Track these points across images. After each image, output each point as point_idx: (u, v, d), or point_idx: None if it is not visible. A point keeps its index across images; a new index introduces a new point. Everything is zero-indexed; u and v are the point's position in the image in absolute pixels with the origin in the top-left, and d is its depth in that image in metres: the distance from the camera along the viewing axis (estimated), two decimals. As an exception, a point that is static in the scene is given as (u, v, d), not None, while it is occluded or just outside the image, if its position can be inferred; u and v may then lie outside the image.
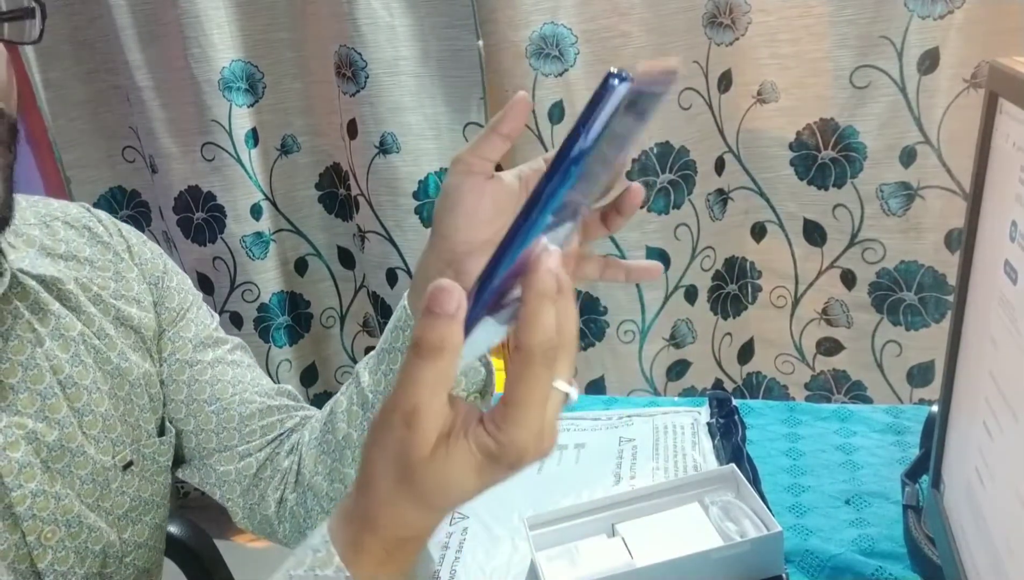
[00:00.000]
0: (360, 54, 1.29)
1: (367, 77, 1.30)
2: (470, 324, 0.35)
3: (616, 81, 0.33)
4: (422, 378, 0.36)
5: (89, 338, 0.62)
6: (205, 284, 1.53)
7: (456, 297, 0.34)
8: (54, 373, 0.59)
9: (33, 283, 0.60)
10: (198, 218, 1.48)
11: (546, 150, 1.29)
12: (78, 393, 0.60)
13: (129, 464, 0.63)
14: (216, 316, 0.74)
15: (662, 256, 1.35)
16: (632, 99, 0.34)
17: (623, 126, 0.36)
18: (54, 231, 0.65)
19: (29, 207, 0.65)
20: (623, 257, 1.34)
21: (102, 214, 0.69)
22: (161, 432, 0.68)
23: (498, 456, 0.37)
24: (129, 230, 0.70)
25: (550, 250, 0.36)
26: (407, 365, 0.36)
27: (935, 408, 0.66)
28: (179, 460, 0.71)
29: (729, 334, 1.47)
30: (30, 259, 0.61)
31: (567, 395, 0.39)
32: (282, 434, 0.70)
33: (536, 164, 0.54)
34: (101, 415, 0.61)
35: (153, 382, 0.67)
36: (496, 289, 0.35)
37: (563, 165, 0.34)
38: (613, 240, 1.33)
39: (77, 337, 0.61)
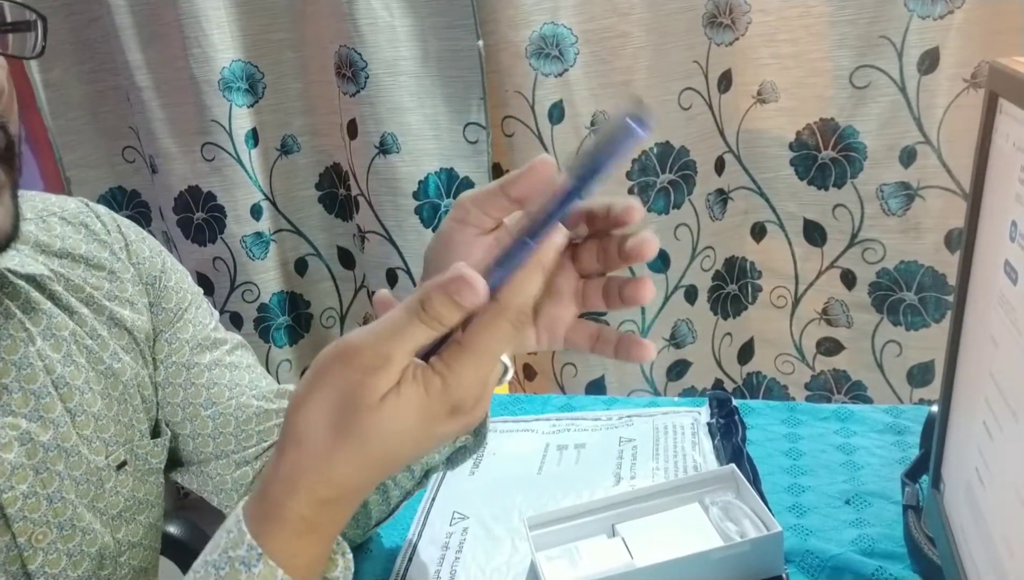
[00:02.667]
0: (360, 54, 1.29)
1: (367, 77, 1.30)
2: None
3: (639, 128, 0.36)
4: (411, 334, 0.38)
5: (81, 338, 0.62)
6: (205, 284, 1.53)
7: (478, 298, 0.37)
8: (47, 372, 0.59)
9: (23, 282, 0.59)
10: (198, 218, 1.48)
11: (546, 150, 1.29)
12: (70, 393, 0.60)
13: (123, 464, 0.63)
14: (216, 314, 0.74)
15: (662, 256, 1.35)
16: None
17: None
18: (50, 227, 0.64)
19: (26, 202, 0.64)
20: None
21: (101, 210, 0.69)
22: (155, 434, 0.67)
23: (441, 392, 0.38)
24: (128, 226, 0.70)
25: (560, 228, 0.39)
26: (401, 318, 0.38)
27: (935, 408, 0.66)
28: (177, 464, 0.71)
29: (729, 334, 1.47)
30: (21, 258, 0.60)
31: (505, 370, 0.42)
32: None
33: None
34: (93, 415, 0.61)
35: (145, 384, 0.66)
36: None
37: (568, 202, 0.38)
38: (613, 240, 1.33)
39: (68, 337, 0.61)
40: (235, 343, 0.72)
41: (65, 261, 0.63)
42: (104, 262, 0.66)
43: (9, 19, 0.52)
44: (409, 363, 0.39)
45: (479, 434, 0.68)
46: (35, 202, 0.65)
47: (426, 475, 0.72)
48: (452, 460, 0.71)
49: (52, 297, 0.61)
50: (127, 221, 0.70)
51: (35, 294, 0.60)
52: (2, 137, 0.51)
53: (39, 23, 0.53)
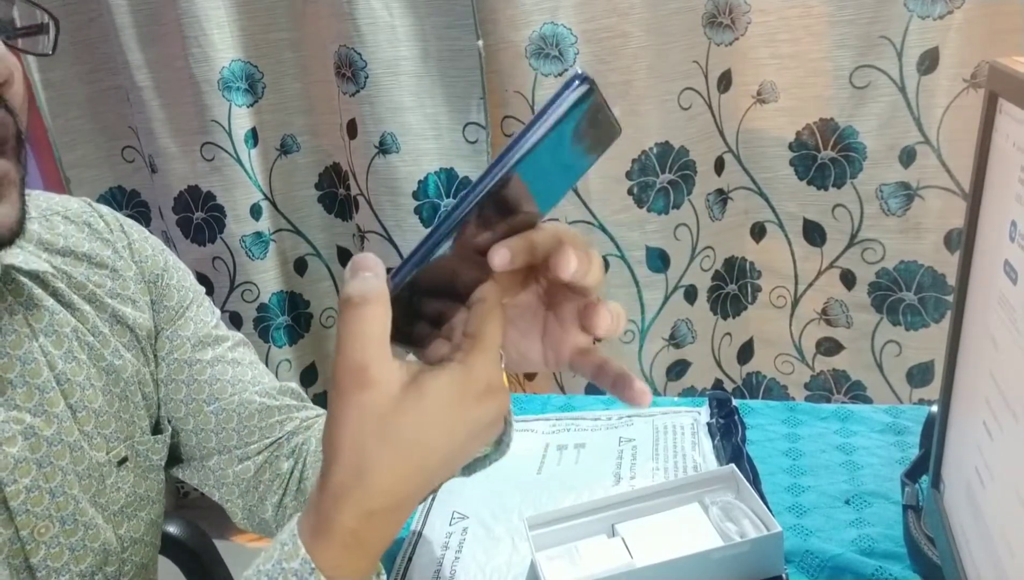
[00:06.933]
0: (360, 54, 1.29)
1: (367, 77, 1.30)
2: (403, 276, 0.40)
3: (578, 82, 0.39)
4: (358, 331, 0.38)
5: (83, 334, 0.62)
6: (205, 284, 1.52)
7: (372, 261, 0.40)
8: (50, 368, 0.59)
9: (26, 279, 0.60)
10: (198, 218, 1.48)
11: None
12: (71, 389, 0.60)
13: (124, 460, 0.63)
14: (217, 312, 0.74)
15: (662, 256, 1.35)
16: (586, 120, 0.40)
17: (571, 147, 0.41)
18: (53, 225, 0.65)
19: (29, 201, 0.64)
20: (623, 256, 1.34)
21: (104, 209, 0.69)
22: (156, 431, 0.67)
23: (465, 376, 0.40)
24: (131, 225, 0.70)
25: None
26: (340, 325, 0.39)
27: (935, 408, 0.66)
28: (178, 460, 0.71)
29: (729, 334, 1.47)
30: (24, 255, 0.61)
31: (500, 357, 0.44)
32: (281, 438, 0.70)
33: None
34: (94, 411, 0.61)
35: (146, 381, 0.66)
36: (430, 245, 0.41)
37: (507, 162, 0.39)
38: (612, 239, 1.33)
39: (70, 333, 0.61)
40: (237, 340, 0.73)
41: (68, 259, 0.64)
42: (106, 260, 0.66)
43: (24, 22, 0.53)
44: (398, 358, 0.40)
45: (501, 443, 0.67)
46: (39, 201, 0.66)
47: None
48: (470, 467, 0.70)
49: (54, 294, 0.61)
50: (130, 221, 0.70)
51: (37, 291, 0.60)
52: (12, 124, 0.51)
53: (51, 25, 0.53)
